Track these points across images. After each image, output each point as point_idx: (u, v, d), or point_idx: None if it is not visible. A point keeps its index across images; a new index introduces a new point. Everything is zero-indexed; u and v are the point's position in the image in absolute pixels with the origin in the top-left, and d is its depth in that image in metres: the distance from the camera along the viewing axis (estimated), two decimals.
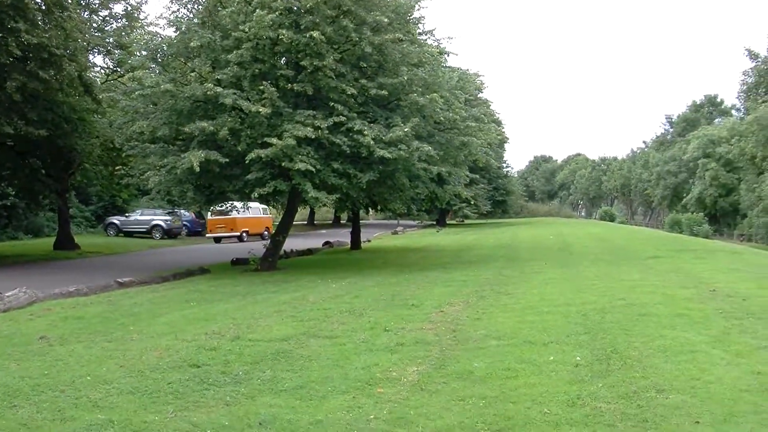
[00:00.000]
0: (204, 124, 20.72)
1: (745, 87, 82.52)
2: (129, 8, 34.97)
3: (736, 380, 7.92)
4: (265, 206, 43.47)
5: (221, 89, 20.67)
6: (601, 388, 7.77)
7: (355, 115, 21.74)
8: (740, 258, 23.51)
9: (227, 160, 21.28)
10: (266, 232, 50.04)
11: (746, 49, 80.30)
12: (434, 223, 73.58)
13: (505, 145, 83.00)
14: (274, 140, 20.32)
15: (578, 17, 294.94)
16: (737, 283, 15.81)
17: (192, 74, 21.87)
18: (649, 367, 8.57)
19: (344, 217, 77.13)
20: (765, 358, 8.82)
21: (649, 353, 9.22)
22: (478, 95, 65.47)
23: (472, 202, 64.08)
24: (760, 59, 78.39)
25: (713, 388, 7.65)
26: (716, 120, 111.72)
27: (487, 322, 11.82)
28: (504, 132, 77.30)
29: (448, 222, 75.94)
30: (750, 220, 76.10)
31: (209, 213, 47.25)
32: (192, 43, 21.54)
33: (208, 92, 20.60)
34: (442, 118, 23.93)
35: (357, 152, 21.48)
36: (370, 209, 41.67)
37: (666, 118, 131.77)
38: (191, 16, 23.57)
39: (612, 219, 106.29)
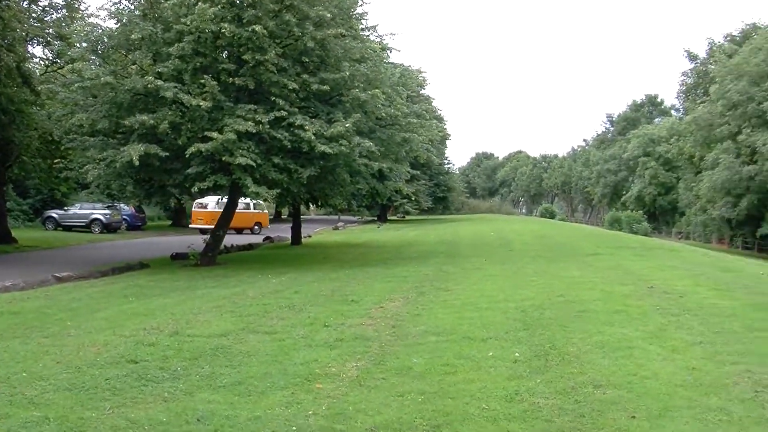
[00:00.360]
0: (144, 118, 20.48)
1: (684, 88, 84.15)
2: None
3: (671, 375, 8.06)
4: (261, 202, 43.45)
5: (162, 82, 20.44)
6: (540, 384, 7.84)
7: (296, 110, 21.65)
8: (678, 255, 23.88)
9: (167, 153, 21.08)
10: (257, 228, 50.89)
11: (686, 51, 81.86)
12: (375, 219, 73.58)
13: (447, 142, 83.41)
14: (215, 134, 20.18)
15: (521, 16, 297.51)
16: (674, 280, 16.06)
17: (133, 67, 21.60)
18: (586, 363, 8.67)
19: (285, 212, 76.92)
20: (700, 354, 8.98)
21: (587, 349, 9.33)
22: (421, 92, 65.71)
23: (413, 198, 64.45)
24: (698, 61, 79.88)
25: (649, 384, 7.78)
26: (656, 119, 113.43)
27: (426, 318, 11.86)
28: (446, 128, 77.58)
29: (389, 218, 75.98)
30: (688, 218, 77.55)
31: (194, 205, 48.20)
32: (133, 36, 21.26)
33: (149, 85, 20.37)
34: (383, 114, 23.92)
35: (298, 147, 21.42)
36: (310, 204, 41.54)
37: (607, 117, 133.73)
38: (133, 7, 23.23)
39: (552, 216, 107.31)
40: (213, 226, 43.01)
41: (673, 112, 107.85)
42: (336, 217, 75.77)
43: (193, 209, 49.37)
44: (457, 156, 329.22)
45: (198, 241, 27.39)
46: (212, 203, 42.00)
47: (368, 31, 26.69)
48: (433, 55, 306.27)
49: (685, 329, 10.42)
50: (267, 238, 42.02)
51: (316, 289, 16.16)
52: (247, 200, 41.81)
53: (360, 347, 9.76)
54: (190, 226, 49.64)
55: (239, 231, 47.27)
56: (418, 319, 11.78)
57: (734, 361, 8.64)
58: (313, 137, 20.78)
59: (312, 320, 11.80)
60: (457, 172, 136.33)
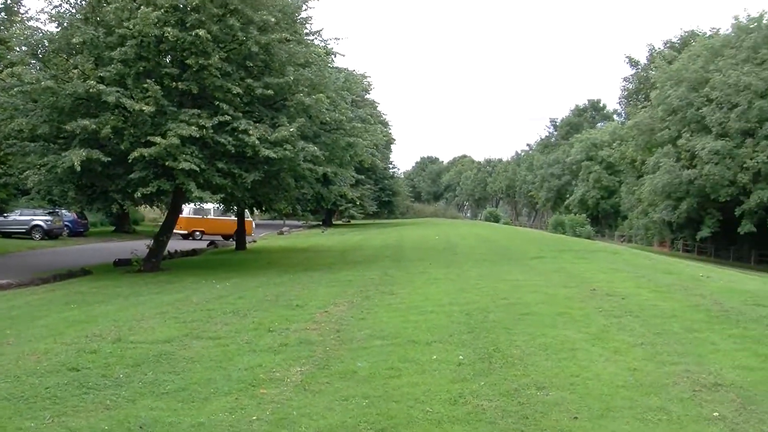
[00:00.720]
0: (86, 122, 20.21)
1: (625, 93, 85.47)
2: (8, 2, 33.78)
3: (613, 376, 8.17)
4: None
5: (104, 87, 20.20)
6: (483, 386, 7.89)
7: (240, 114, 21.54)
8: (620, 258, 24.18)
9: (110, 159, 20.81)
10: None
11: (627, 57, 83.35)
12: (320, 223, 73.43)
13: (392, 146, 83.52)
14: (158, 139, 19.99)
15: (467, 21, 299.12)
16: (617, 282, 16.27)
17: (74, 71, 21.26)
18: (530, 365, 8.75)
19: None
20: (641, 355, 9.13)
21: (531, 351, 9.42)
22: (365, 96, 65.78)
23: (358, 203, 64.40)
24: (639, 67, 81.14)
25: (591, 385, 7.88)
26: (599, 124, 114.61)
27: (371, 321, 11.88)
28: (390, 133, 77.74)
29: (334, 222, 75.95)
30: (630, 221, 78.45)
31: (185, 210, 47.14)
32: (74, 39, 20.97)
33: (91, 90, 20.09)
34: (328, 119, 23.93)
35: (242, 152, 21.32)
36: (255, 209, 41.31)
37: (550, 122, 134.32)
38: (74, 11, 22.94)
39: (497, 220, 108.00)
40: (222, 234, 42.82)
41: (615, 116, 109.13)
42: (281, 221, 75.47)
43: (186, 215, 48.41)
44: (402, 160, 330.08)
45: (141, 247, 27.10)
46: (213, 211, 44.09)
47: (313, 35, 26.66)
48: (378, 60, 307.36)
49: (627, 331, 10.57)
50: (211, 243, 41.72)
51: (260, 294, 16.08)
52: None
53: (304, 352, 9.74)
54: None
55: (226, 237, 46.68)
56: (362, 323, 11.79)
57: (674, 361, 8.79)
58: (257, 142, 20.70)
59: (256, 325, 11.75)
60: (402, 176, 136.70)
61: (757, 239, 53.11)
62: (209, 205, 42.26)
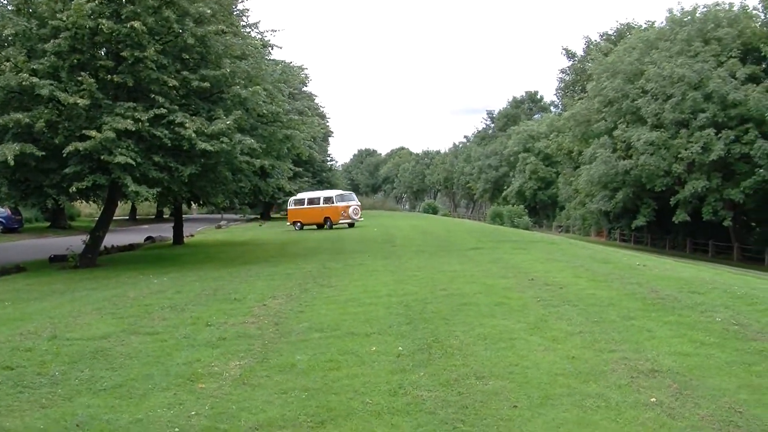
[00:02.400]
0: (19, 116, 19.85)
1: (562, 84, 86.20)
2: None
3: (551, 365, 8.31)
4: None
5: (37, 80, 19.85)
6: (423, 377, 7.97)
7: (176, 107, 21.40)
8: (558, 248, 24.45)
9: (44, 153, 20.48)
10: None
11: (564, 48, 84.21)
12: (258, 217, 73.12)
13: (330, 139, 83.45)
14: (93, 133, 19.74)
15: (402, 11, 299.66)
16: (554, 272, 16.48)
17: (6, 63, 20.88)
18: (469, 355, 8.86)
19: (167, 211, 75.67)
20: (579, 343, 9.28)
21: (470, 341, 9.53)
22: (303, 88, 65.59)
23: None
24: (576, 58, 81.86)
25: (530, 373, 8.00)
26: (536, 116, 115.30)
27: (310, 314, 11.92)
28: (328, 125, 77.65)
29: (272, 216, 75.62)
30: (567, 211, 79.24)
31: (289, 203, 48.14)
32: (6, 31, 20.59)
33: (24, 83, 19.74)
34: (265, 111, 23.84)
35: (178, 145, 21.17)
36: (192, 203, 40.98)
37: (487, 114, 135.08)
38: (5, 2, 22.56)
39: (435, 212, 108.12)
40: (317, 223, 42.26)
41: (552, 108, 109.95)
42: (219, 215, 74.96)
43: (289, 207, 47.86)
44: (340, 153, 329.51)
45: (77, 243, 26.75)
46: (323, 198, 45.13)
47: (249, 27, 26.58)
48: (315, 52, 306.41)
49: (565, 320, 10.73)
50: (148, 238, 41.27)
51: (198, 289, 16.03)
52: (330, 193, 45.81)
53: (243, 346, 9.74)
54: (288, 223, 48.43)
55: (319, 226, 45.21)
56: (301, 316, 11.83)
57: (611, 349, 8.96)
58: (193, 135, 20.57)
59: (194, 320, 11.72)
60: (340, 169, 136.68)
61: (691, 228, 54.09)
62: (303, 195, 46.99)
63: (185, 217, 43.76)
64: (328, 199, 44.45)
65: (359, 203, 46.84)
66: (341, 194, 46.15)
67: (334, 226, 43.43)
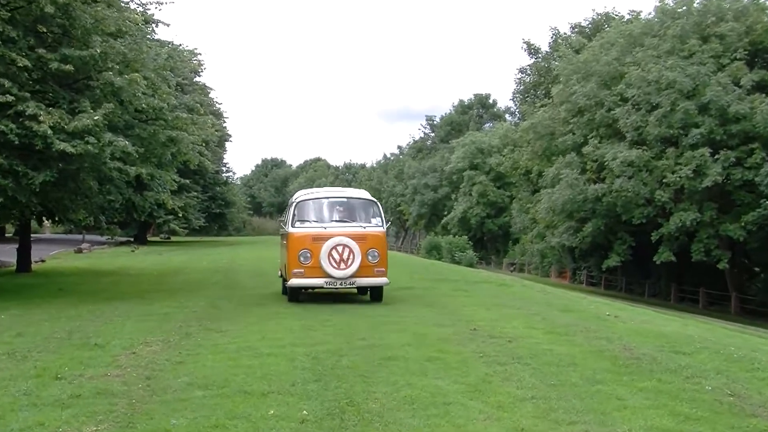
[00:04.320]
0: None
1: (521, 87, 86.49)
2: None
3: None
4: None
5: None
6: None
7: (27, 95, 21.10)
8: (508, 291, 24.63)
9: None
10: None
11: (525, 42, 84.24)
12: (131, 239, 72.50)
13: (227, 144, 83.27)
14: None
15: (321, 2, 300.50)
16: (503, 321, 16.53)
17: None
18: (391, 422, 8.80)
19: (10, 229, 74.47)
20: (531, 412, 9.27)
21: (393, 406, 9.47)
22: (195, 79, 65.43)
23: (181, 215, 63.62)
24: (540, 55, 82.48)
25: None
26: (486, 125, 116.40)
27: (192, 366, 11.78)
28: (226, 127, 77.58)
29: (149, 239, 75.07)
30: (522, 245, 80.00)
31: None
32: None
33: None
34: (144, 106, 23.70)
35: (29, 144, 20.88)
36: (45, 219, 40.40)
37: (427, 120, 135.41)
38: None
39: None
40: None
41: (507, 116, 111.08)
42: (80, 236, 74.09)
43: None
44: (240, 162, 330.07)
45: None
46: None
47: None
48: (213, 34, 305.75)
49: (514, 381, 10.74)
50: None
51: (47, 330, 15.74)
52: None
53: (103, 405, 9.55)
54: None
55: None
56: (180, 368, 11.68)
57: (571, 420, 8.97)
58: (49, 131, 20.30)
59: (39, 371, 11.46)
60: (239, 182, 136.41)
61: (677, 271, 54.44)
62: None
63: (34, 237, 43.07)
64: None
65: None
66: None
67: None
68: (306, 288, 20.85)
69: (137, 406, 9.54)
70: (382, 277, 20.26)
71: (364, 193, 22.76)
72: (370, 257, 19.94)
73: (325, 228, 20.07)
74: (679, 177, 46.27)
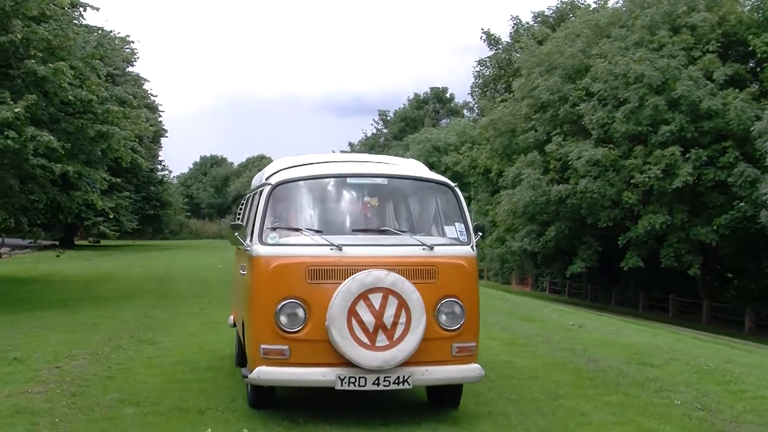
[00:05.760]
0: None
1: (480, 81, 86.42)
2: None
3: None
4: None
5: None
6: None
7: None
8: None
9: None
10: None
11: (483, 32, 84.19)
12: (56, 243, 71.86)
13: (162, 140, 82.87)
14: None
15: None
16: None
17: None
18: None
19: None
20: (489, 428, 9.35)
21: (343, 425, 9.45)
22: (127, 69, 65.04)
23: (112, 216, 63.14)
24: (500, 46, 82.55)
25: None
26: (443, 121, 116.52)
27: (122, 381, 11.75)
28: (161, 122, 77.11)
29: (76, 243, 74.55)
30: (481, 250, 79.94)
31: None
32: None
33: None
34: (71, 98, 23.53)
35: None
36: None
37: (379, 115, 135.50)
38: None
39: None
40: None
41: (465, 111, 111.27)
42: None
43: None
44: (177, 160, 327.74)
45: None
46: None
47: None
48: (147, 20, 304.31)
49: (471, 396, 10.71)
50: None
51: None
52: None
53: (22, 425, 9.44)
54: None
55: None
56: (110, 383, 11.64)
57: None
58: None
59: None
60: (176, 182, 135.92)
61: (645, 278, 54.51)
62: None
63: None
64: None
65: None
66: None
67: None
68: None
69: (61, 426, 9.46)
70: (470, 362, 10.18)
71: (421, 168, 12.44)
72: (443, 317, 10.11)
73: (340, 248, 10.12)
74: (648, 177, 46.19)
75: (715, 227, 44.66)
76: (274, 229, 10.28)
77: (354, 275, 9.60)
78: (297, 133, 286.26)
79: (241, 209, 14.06)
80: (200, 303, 22.37)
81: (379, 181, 11.24)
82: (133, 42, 65.68)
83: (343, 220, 11.15)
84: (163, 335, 16.19)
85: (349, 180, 11.22)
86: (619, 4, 58.03)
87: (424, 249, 10.12)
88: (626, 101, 47.79)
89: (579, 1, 72.49)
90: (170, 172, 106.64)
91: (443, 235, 10.70)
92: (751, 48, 46.42)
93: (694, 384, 11.86)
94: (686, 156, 44.84)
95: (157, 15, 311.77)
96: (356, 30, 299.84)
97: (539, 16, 76.16)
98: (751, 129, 41.14)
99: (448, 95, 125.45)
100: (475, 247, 10.58)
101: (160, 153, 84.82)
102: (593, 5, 67.74)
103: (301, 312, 9.64)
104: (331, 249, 9.90)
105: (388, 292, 9.58)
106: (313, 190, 11.26)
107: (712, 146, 45.30)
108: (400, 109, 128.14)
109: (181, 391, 11.01)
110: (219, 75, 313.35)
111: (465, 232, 10.56)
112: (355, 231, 10.75)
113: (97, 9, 39.52)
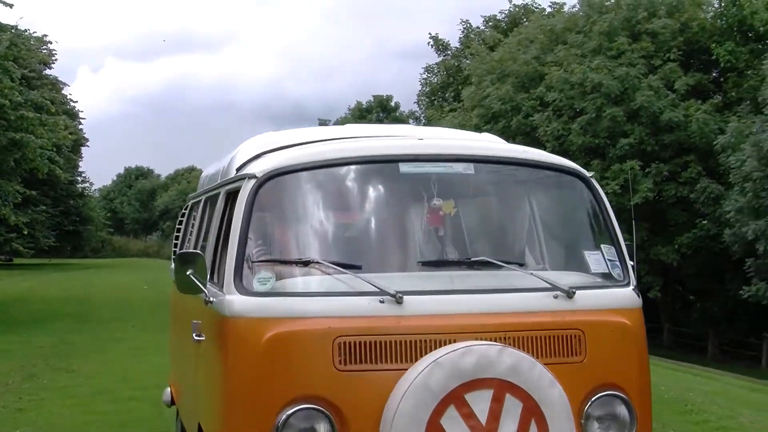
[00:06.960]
0: None
1: (427, 89, 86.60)
2: None
3: None
4: None
5: None
6: None
7: None
8: None
9: None
10: None
11: (431, 37, 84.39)
12: None
13: (83, 150, 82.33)
14: None
15: None
16: None
17: None
18: None
19: None
20: None
21: None
22: (44, 72, 64.52)
23: (27, 232, 62.70)
24: (449, 52, 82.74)
25: None
26: None
27: (34, 414, 11.59)
28: (82, 130, 76.60)
29: None
30: None
31: None
32: None
33: None
34: None
35: None
36: None
37: (320, 124, 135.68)
38: None
39: None
40: None
41: (411, 121, 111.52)
42: None
43: None
44: (99, 172, 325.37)
45: None
46: None
47: None
48: (66, 18, 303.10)
49: None
50: None
51: None
52: None
53: None
54: None
55: None
56: (20, 416, 11.48)
57: None
58: None
59: None
60: (98, 195, 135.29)
61: None
62: None
63: None
64: None
65: None
66: None
67: None
68: None
69: None
70: None
71: (519, 148, 7.85)
72: (596, 427, 5.98)
73: (400, 299, 5.49)
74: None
75: (676, 246, 44.65)
76: (263, 262, 5.80)
77: (433, 354, 5.32)
78: (232, 143, 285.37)
79: (181, 225, 9.85)
80: (123, 327, 22.22)
81: (460, 168, 6.51)
82: (50, 42, 65.38)
83: (400, 245, 6.63)
84: (81, 362, 16.09)
85: (403, 168, 6.36)
86: (576, 9, 58.02)
87: (557, 297, 5.94)
88: (583, 112, 47.92)
89: (533, 5, 72.64)
90: (91, 184, 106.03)
91: (582, 267, 6.63)
92: (714, 57, 46.76)
93: (654, 414, 11.79)
94: (646, 171, 44.85)
95: (77, 13, 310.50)
96: (296, 33, 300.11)
97: (490, 21, 76.19)
98: (715, 143, 41.38)
99: (392, 104, 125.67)
100: (637, 290, 6.80)
101: (81, 163, 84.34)
102: (548, 9, 67.87)
103: (324, 429, 5.24)
104: (382, 302, 5.51)
105: (503, 387, 5.32)
106: (334, 187, 6.54)
107: (674, 160, 45.33)
108: (341, 117, 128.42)
109: (99, 423, 10.89)
110: (145, 79, 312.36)
111: (618, 261, 6.71)
112: (425, 265, 6.35)
113: (11, 6, 39.21)
